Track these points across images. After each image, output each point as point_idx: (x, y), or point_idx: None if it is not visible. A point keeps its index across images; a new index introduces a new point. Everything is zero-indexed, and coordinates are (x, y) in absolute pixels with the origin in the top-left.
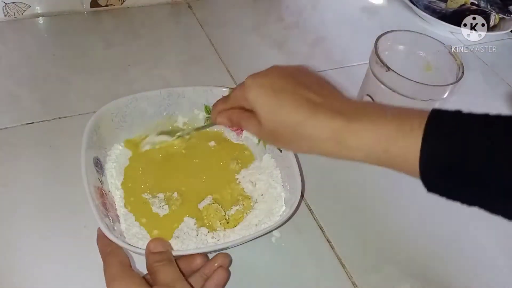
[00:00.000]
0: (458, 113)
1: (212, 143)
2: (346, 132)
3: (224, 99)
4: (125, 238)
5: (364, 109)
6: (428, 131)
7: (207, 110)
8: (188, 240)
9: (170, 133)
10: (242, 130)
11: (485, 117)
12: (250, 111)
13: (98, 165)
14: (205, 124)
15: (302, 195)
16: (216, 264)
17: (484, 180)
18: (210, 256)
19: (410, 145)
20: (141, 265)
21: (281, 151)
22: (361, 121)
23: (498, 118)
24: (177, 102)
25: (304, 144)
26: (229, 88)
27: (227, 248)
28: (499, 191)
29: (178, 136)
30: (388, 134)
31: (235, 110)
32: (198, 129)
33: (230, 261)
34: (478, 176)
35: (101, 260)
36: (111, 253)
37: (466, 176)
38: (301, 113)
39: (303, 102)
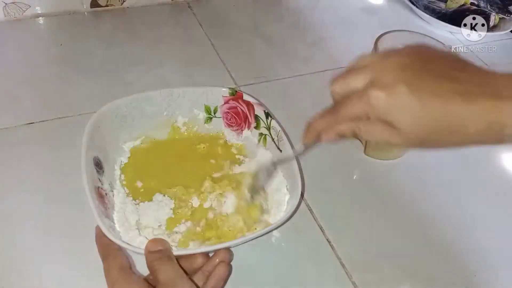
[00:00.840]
0: None
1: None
2: (507, 115)
3: (328, 117)
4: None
5: None
6: None
7: (207, 110)
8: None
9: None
10: (242, 130)
11: None
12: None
13: (98, 165)
14: (300, 150)
15: (302, 195)
16: (217, 260)
17: None
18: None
19: None
20: (141, 266)
21: (281, 150)
22: None
23: None
24: (177, 102)
25: (466, 139)
26: (229, 88)
27: (228, 247)
28: None
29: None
30: None
31: (347, 124)
32: (298, 155)
33: (232, 257)
34: None
35: (101, 260)
36: (111, 255)
37: None
38: (458, 109)
39: (454, 96)
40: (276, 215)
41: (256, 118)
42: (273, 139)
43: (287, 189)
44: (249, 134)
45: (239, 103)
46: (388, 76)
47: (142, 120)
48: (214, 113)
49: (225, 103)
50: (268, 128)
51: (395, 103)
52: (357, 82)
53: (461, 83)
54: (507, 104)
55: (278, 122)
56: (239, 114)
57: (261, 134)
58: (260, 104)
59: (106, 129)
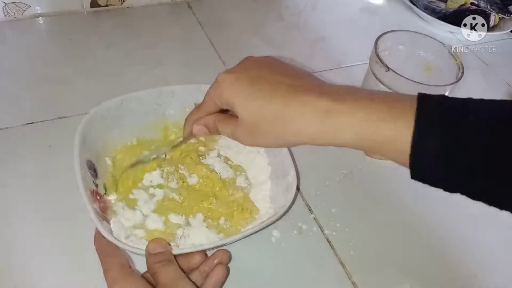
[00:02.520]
0: (444, 97)
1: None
2: (333, 113)
3: (197, 108)
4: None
5: (350, 91)
6: (420, 112)
7: None
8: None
9: (144, 159)
10: None
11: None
12: (226, 113)
13: (92, 168)
14: (181, 140)
15: (298, 188)
16: (215, 261)
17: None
18: (209, 253)
19: (401, 127)
20: (140, 267)
21: None
22: (348, 102)
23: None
24: (168, 101)
25: (287, 133)
26: None
27: (225, 244)
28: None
29: (154, 159)
30: (378, 115)
31: (211, 115)
32: (174, 146)
33: (229, 258)
34: (473, 163)
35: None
36: (110, 254)
37: (459, 162)
38: (282, 97)
39: (282, 86)
40: (259, 194)
41: None
42: None
43: (269, 177)
44: None
45: None
46: (239, 65)
47: (133, 121)
48: None
49: None
50: None
51: (233, 84)
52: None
53: (291, 78)
54: (333, 102)
55: None
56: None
57: None
58: None
59: (97, 131)
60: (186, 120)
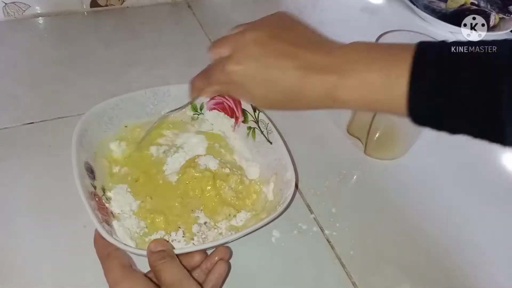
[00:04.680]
0: (442, 49)
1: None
2: (338, 89)
3: (203, 77)
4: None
5: (352, 59)
6: (414, 76)
7: (194, 107)
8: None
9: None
10: (238, 120)
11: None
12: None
13: (89, 169)
14: (189, 101)
15: (296, 186)
16: (216, 258)
17: (470, 106)
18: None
19: (397, 92)
20: (141, 266)
21: (271, 143)
22: (350, 76)
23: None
24: (163, 100)
25: (299, 104)
26: None
27: (226, 243)
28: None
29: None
30: (376, 86)
31: (220, 86)
32: (181, 107)
33: (230, 254)
34: (465, 106)
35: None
36: (110, 255)
37: (453, 111)
38: (295, 83)
39: (293, 72)
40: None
41: (244, 112)
42: (262, 132)
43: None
44: (237, 128)
45: (226, 98)
46: (243, 51)
47: (129, 121)
48: (201, 110)
49: (211, 99)
50: (257, 121)
51: (246, 75)
52: (224, 50)
53: (298, 59)
54: (340, 79)
55: (266, 115)
56: (226, 109)
57: (249, 127)
58: None
59: (93, 133)
60: (192, 85)
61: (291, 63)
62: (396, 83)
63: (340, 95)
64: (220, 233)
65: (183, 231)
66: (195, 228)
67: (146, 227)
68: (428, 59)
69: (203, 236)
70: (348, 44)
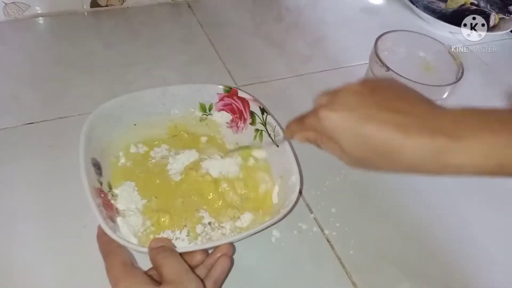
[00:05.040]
0: None
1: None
2: (451, 152)
3: (299, 121)
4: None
5: (465, 121)
6: None
7: (202, 107)
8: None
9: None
10: (238, 127)
11: None
12: None
13: (96, 166)
14: (283, 139)
15: (300, 192)
16: (219, 254)
17: None
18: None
19: None
20: (143, 264)
21: (277, 145)
22: (466, 138)
23: None
24: (172, 100)
25: (400, 167)
26: (224, 86)
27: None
28: None
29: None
30: (500, 149)
31: (313, 133)
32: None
33: (233, 251)
34: None
35: (101, 259)
36: (112, 252)
37: None
38: (394, 140)
39: (393, 127)
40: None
41: (252, 114)
42: (269, 135)
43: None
44: (245, 130)
45: (234, 100)
46: (340, 100)
47: (138, 120)
48: (209, 111)
49: (220, 100)
50: (264, 124)
51: (338, 124)
52: (324, 99)
53: (401, 115)
54: (452, 141)
55: (274, 117)
56: (234, 111)
57: (257, 130)
58: (255, 100)
59: (102, 130)
60: (287, 127)
61: (391, 117)
62: None
63: (453, 158)
64: (224, 234)
65: (187, 230)
66: (199, 229)
67: (152, 225)
68: None
69: (207, 237)
70: (457, 108)
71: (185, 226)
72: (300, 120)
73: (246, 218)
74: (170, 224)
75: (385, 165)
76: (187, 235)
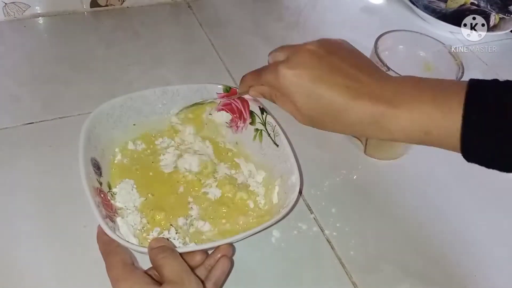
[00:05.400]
0: (495, 85)
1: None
2: (387, 117)
3: (255, 75)
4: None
5: (402, 90)
6: (467, 111)
7: None
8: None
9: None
10: (237, 127)
11: None
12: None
13: (96, 165)
14: (238, 94)
15: (300, 192)
16: (219, 255)
17: None
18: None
19: (450, 126)
20: (143, 264)
21: (277, 145)
22: (400, 106)
23: None
24: (172, 100)
25: (343, 128)
26: (224, 85)
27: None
28: None
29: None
30: (427, 118)
31: (268, 88)
32: (226, 97)
33: (233, 251)
34: None
35: (101, 259)
36: (112, 252)
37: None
38: (342, 101)
39: (343, 90)
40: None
41: (251, 113)
42: (269, 134)
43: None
44: (245, 130)
45: (234, 100)
46: (298, 59)
47: (138, 120)
48: None
49: (222, 101)
50: (264, 124)
51: (294, 81)
52: (281, 55)
53: (351, 79)
54: (390, 108)
55: (273, 117)
56: (234, 111)
57: (256, 129)
58: (255, 100)
59: (102, 130)
60: (242, 80)
61: (342, 81)
62: (449, 117)
63: (387, 123)
64: (201, 232)
65: (174, 228)
66: (180, 221)
67: (148, 222)
68: (483, 94)
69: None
70: (401, 77)
71: (171, 225)
72: (257, 74)
73: (241, 220)
74: (164, 221)
75: (332, 125)
76: (176, 233)
